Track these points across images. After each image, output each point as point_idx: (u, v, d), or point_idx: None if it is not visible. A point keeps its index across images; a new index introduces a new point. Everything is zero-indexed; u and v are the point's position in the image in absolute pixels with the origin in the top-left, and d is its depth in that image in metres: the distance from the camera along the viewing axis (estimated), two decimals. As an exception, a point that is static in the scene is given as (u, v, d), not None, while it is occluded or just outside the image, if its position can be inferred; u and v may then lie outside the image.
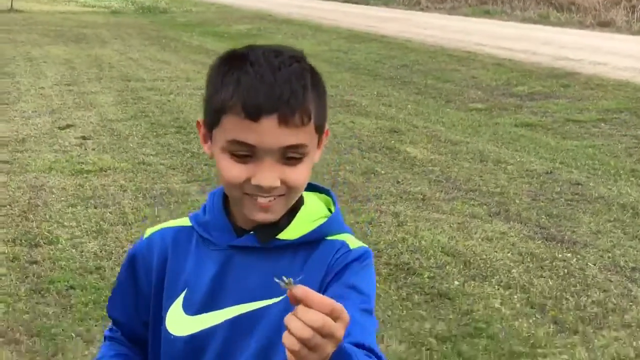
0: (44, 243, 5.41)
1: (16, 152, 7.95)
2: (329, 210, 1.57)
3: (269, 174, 1.38)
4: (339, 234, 1.52)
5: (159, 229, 1.63)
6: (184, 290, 1.54)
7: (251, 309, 1.48)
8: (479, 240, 5.79)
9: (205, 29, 22.94)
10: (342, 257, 1.48)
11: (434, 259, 5.36)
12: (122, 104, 10.81)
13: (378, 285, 4.74)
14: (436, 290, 4.84)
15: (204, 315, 1.51)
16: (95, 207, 6.21)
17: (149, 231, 1.65)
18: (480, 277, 5.07)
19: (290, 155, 1.39)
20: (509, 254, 5.51)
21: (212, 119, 1.43)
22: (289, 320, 1.08)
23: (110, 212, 6.10)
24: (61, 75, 13.22)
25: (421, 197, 6.86)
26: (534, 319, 4.50)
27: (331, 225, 1.52)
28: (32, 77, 12.99)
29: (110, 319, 1.72)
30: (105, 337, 1.75)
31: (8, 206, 6.19)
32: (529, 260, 5.41)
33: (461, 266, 5.25)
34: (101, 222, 5.85)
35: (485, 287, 4.91)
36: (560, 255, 5.50)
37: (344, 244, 1.50)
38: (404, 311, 4.54)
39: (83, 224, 5.79)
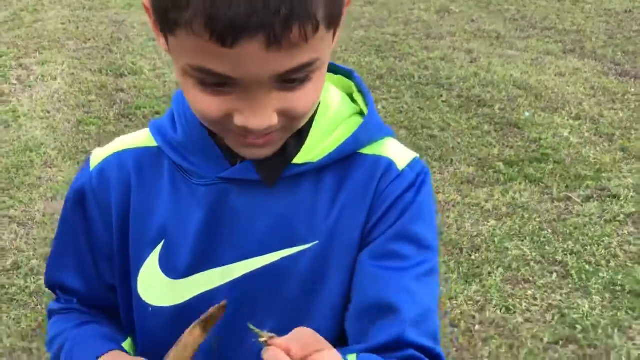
0: (129, 73, 5.69)
1: (97, -11, 8.21)
2: (353, 101, 1.13)
3: (260, 112, 0.92)
4: (378, 140, 1.10)
5: (112, 152, 1.15)
6: (159, 242, 1.11)
7: (266, 263, 1.07)
8: (552, 75, 5.84)
9: None
10: (391, 184, 1.07)
11: (505, 92, 5.45)
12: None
13: (450, 116, 4.92)
14: (506, 120, 4.98)
15: (196, 276, 1.09)
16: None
17: (98, 156, 1.15)
18: (550, 109, 5.17)
19: (292, 78, 0.91)
20: (581, 88, 5.57)
21: (163, 24, 0.89)
22: None
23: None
24: None
25: (495, 35, 6.87)
26: (602, 147, 4.62)
27: (367, 131, 1.09)
28: None
29: (54, 288, 1.24)
30: (51, 312, 1.25)
31: (92, 39, 6.49)
32: (600, 94, 5.47)
33: (532, 99, 5.34)
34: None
35: (555, 118, 5.02)
36: (632, 90, 5.53)
37: (389, 164, 1.08)
38: (474, 139, 4.70)
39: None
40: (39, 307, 3.18)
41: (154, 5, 0.90)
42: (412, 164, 1.09)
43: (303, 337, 0.81)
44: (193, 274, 1.09)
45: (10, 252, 3.54)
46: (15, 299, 3.24)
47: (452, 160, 4.40)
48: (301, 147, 1.05)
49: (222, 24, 0.82)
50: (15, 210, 3.87)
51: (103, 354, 1.08)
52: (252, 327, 0.80)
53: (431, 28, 7.01)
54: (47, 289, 1.26)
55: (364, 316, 1.06)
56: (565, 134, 4.77)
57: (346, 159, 1.07)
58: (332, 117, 1.07)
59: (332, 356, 0.80)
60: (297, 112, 0.95)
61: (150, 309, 1.12)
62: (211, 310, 0.92)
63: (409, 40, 6.63)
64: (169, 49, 0.93)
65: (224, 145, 1.04)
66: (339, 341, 1.09)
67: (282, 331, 0.83)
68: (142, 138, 1.14)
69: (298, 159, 1.05)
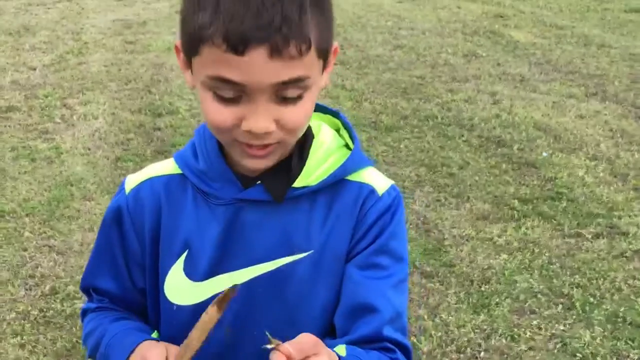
0: (166, 113, 5.96)
1: (138, 33, 8.54)
2: (339, 135, 1.37)
3: (261, 117, 1.13)
4: (361, 168, 1.33)
5: (145, 178, 1.36)
6: (184, 252, 1.32)
7: (271, 268, 1.29)
8: (572, 117, 5.98)
9: None
10: (372, 208, 1.30)
11: (525, 133, 5.62)
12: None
13: (469, 155, 5.10)
14: (524, 159, 5.14)
15: (213, 279, 1.31)
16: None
17: (132, 181, 1.38)
18: (568, 150, 5.32)
19: (288, 93, 1.14)
20: (599, 130, 5.71)
21: (190, 46, 1.15)
22: None
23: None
24: (178, -36, 13.68)
25: (520, 78, 7.03)
26: (615, 186, 4.76)
27: (353, 162, 1.31)
28: (151, -35, 13.54)
29: (91, 291, 1.45)
30: (85, 311, 1.46)
31: (133, 81, 6.78)
32: (619, 135, 5.60)
33: (551, 140, 5.49)
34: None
35: (571, 158, 5.16)
36: (650, 132, 5.67)
37: (371, 191, 1.31)
38: (491, 177, 4.87)
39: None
40: (73, 329, 3.40)
41: (183, 35, 1.17)
42: (389, 190, 1.32)
43: (303, 342, 1.03)
44: (211, 277, 1.30)
45: (49, 278, 3.77)
46: (52, 322, 3.46)
47: (468, 197, 4.57)
48: (300, 173, 1.27)
49: (235, 36, 1.07)
50: (55, 240, 4.10)
51: (139, 343, 1.28)
52: (267, 333, 1.01)
53: (457, 71, 7.20)
54: (81, 292, 1.48)
55: (350, 314, 1.29)
56: (581, 174, 4.91)
57: (336, 184, 1.30)
58: (325, 149, 1.31)
59: (328, 358, 1.05)
60: (290, 124, 1.17)
61: (175, 307, 1.33)
62: (225, 290, 1.10)
63: (435, 82, 6.83)
64: (192, 74, 1.19)
65: (238, 173, 1.27)
66: (327, 335, 1.31)
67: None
68: (169, 166, 1.36)
69: (297, 183, 1.27)
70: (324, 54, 1.18)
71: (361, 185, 1.31)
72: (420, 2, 10.39)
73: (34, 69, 7.14)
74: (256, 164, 1.22)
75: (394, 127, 5.70)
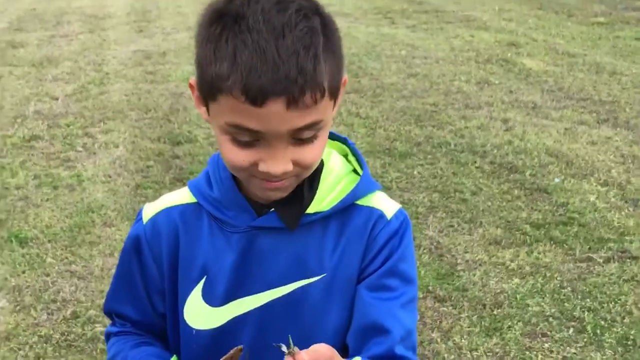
0: (185, 141, 6.04)
1: (158, 64, 8.66)
2: (348, 161, 1.40)
3: (279, 161, 1.17)
4: (370, 193, 1.36)
5: (161, 208, 1.40)
6: (202, 278, 1.36)
7: (286, 292, 1.32)
8: (584, 143, 6.01)
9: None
10: (381, 232, 1.34)
11: (537, 159, 5.64)
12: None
13: (482, 181, 5.14)
14: (536, 185, 5.17)
15: (231, 304, 1.35)
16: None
17: (149, 211, 1.41)
18: (580, 175, 5.34)
19: (304, 135, 1.18)
20: (611, 156, 5.73)
21: (208, 93, 1.18)
22: None
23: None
24: (197, -4, 13.89)
25: (532, 105, 7.07)
26: (626, 211, 4.77)
27: (362, 187, 1.35)
28: (171, -3, 13.74)
29: (113, 316, 1.50)
30: (109, 334, 1.51)
31: (153, 110, 6.88)
32: (630, 161, 5.62)
33: (563, 165, 5.51)
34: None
35: (583, 184, 5.18)
36: (661, 158, 5.69)
37: (380, 215, 1.35)
38: (503, 202, 4.90)
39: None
40: (94, 352, 3.45)
41: (200, 80, 1.19)
42: (397, 214, 1.36)
43: (320, 352, 1.08)
44: (229, 302, 1.34)
45: (70, 302, 3.83)
46: (73, 345, 3.52)
47: (481, 223, 4.60)
48: (312, 200, 1.31)
49: (254, 90, 1.10)
50: (76, 265, 4.17)
51: None
52: (290, 338, 1.07)
53: (470, 98, 7.25)
54: (105, 314, 1.53)
55: (362, 335, 1.33)
56: (592, 199, 4.93)
57: (346, 208, 1.34)
58: (334, 176, 1.34)
59: None
60: (306, 162, 1.21)
61: (194, 331, 1.37)
62: (231, 352, 1.16)
63: (448, 110, 6.88)
64: (209, 115, 1.22)
65: (251, 200, 1.31)
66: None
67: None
68: (184, 195, 1.40)
69: (310, 210, 1.31)
70: (335, 93, 1.21)
71: (371, 210, 1.35)
72: (434, 32, 10.47)
73: (57, 99, 7.26)
74: (273, 195, 1.26)
75: (407, 154, 5.75)
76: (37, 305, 3.80)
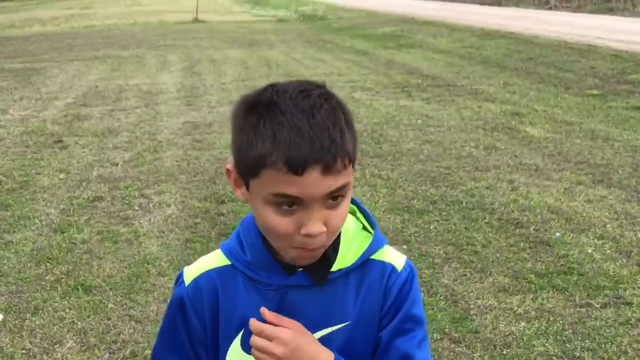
0: (228, 200, 6.15)
1: (205, 133, 8.83)
2: (356, 218, 1.44)
3: (316, 222, 1.22)
4: (380, 248, 1.42)
5: (201, 272, 1.44)
6: (240, 331, 1.38)
7: (316, 338, 1.36)
8: (582, 201, 6.03)
9: (356, 32, 23.51)
10: (394, 283, 1.40)
11: (540, 215, 5.67)
12: (286, 95, 11.52)
13: (491, 235, 5.17)
14: (539, 239, 5.19)
15: None
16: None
17: (189, 274, 1.45)
18: (578, 230, 5.35)
19: (335, 196, 1.23)
20: (606, 213, 5.74)
21: (249, 172, 1.23)
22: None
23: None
24: (238, 74, 14.17)
25: (535, 167, 7.11)
26: (621, 262, 4.77)
27: (375, 244, 1.40)
28: (215, 75, 14.03)
29: None
30: None
31: (200, 174, 7.01)
32: (623, 217, 5.63)
33: (563, 221, 5.53)
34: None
35: (581, 238, 5.20)
36: (651, 214, 5.69)
37: (392, 268, 1.41)
38: (510, 254, 4.92)
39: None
40: (150, 387, 3.50)
41: (240, 162, 1.25)
42: (405, 266, 1.43)
43: (284, 328, 1.28)
44: None
45: (129, 343, 3.89)
46: (132, 380, 3.58)
47: (491, 272, 4.63)
48: (335, 258, 1.36)
49: (296, 161, 1.17)
50: (134, 310, 4.24)
51: None
52: None
53: (479, 162, 7.31)
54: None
55: None
56: (590, 251, 4.94)
57: (363, 263, 1.39)
58: (350, 235, 1.39)
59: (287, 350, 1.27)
60: (336, 227, 1.27)
61: None
62: None
63: (460, 172, 6.94)
64: (249, 192, 1.27)
65: (282, 262, 1.34)
66: None
67: None
68: (217, 258, 1.43)
69: (334, 268, 1.36)
70: (355, 160, 1.27)
71: (384, 264, 1.40)
72: (446, 104, 10.59)
73: (117, 165, 7.42)
74: (304, 261, 1.31)
75: (424, 211, 5.81)
76: (101, 345, 3.88)
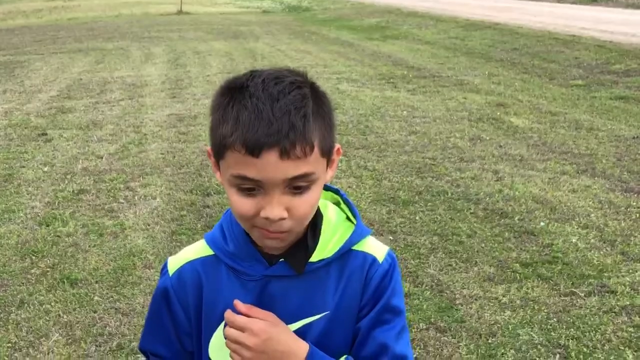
0: (214, 193, 6.14)
1: (190, 125, 8.80)
2: (340, 209, 1.45)
3: (276, 206, 1.22)
4: (362, 239, 1.42)
5: (185, 262, 1.45)
6: (222, 321, 1.39)
7: (295, 328, 1.37)
8: (566, 191, 6.06)
9: (341, 23, 23.49)
10: (375, 274, 1.40)
11: (525, 205, 5.70)
12: (272, 87, 11.51)
13: (476, 225, 5.18)
14: (524, 228, 5.21)
15: None
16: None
17: (173, 265, 1.47)
18: (562, 220, 5.39)
19: (297, 185, 1.23)
20: (590, 202, 5.77)
21: (217, 152, 1.26)
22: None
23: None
24: (223, 65, 14.13)
25: (519, 158, 7.14)
26: (605, 251, 4.81)
27: (357, 235, 1.41)
28: (200, 67, 13.98)
29: (148, 354, 1.53)
30: None
31: (185, 166, 6.99)
32: (607, 207, 5.67)
33: (548, 211, 5.57)
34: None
35: (566, 227, 5.23)
36: (634, 203, 5.72)
37: (373, 259, 1.41)
38: (495, 244, 4.95)
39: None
40: (137, 379, 3.50)
41: (212, 144, 1.28)
42: (387, 257, 1.42)
43: (258, 320, 1.29)
44: None
45: (115, 336, 3.89)
46: (118, 373, 3.57)
47: (476, 262, 4.65)
48: (315, 249, 1.36)
49: (252, 143, 1.18)
50: (121, 303, 4.23)
51: None
52: None
53: (464, 153, 7.33)
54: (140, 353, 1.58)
55: (360, 354, 1.40)
56: (574, 240, 4.98)
57: (344, 254, 1.39)
58: (332, 226, 1.40)
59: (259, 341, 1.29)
60: (299, 212, 1.26)
61: None
62: None
63: (445, 163, 6.96)
64: (220, 175, 1.29)
65: (262, 252, 1.36)
66: None
67: None
68: (201, 248, 1.45)
69: (314, 258, 1.36)
70: (327, 154, 1.28)
71: (365, 255, 1.41)
72: (431, 95, 10.61)
73: (101, 157, 7.38)
74: (273, 244, 1.30)
75: (410, 202, 5.82)
76: (87, 338, 3.87)
